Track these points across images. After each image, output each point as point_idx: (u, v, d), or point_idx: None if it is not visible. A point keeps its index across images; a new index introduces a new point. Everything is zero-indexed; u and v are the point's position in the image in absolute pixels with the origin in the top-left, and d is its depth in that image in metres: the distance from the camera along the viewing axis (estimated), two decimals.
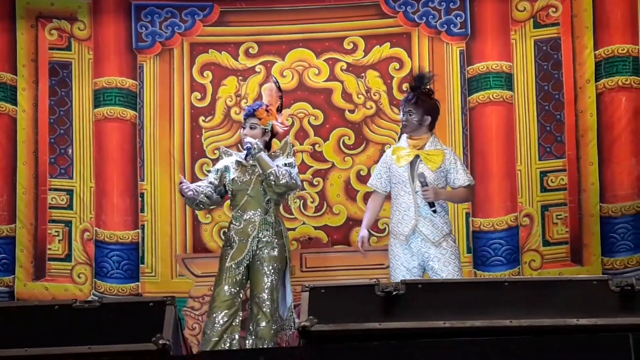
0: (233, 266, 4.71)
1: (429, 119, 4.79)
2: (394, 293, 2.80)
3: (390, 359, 2.66)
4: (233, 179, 4.81)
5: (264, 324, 4.60)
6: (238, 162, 4.86)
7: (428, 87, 4.86)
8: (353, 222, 5.90)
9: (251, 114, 4.82)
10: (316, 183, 5.95)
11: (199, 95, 5.99)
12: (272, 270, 4.69)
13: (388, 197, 4.91)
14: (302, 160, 5.96)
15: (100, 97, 5.89)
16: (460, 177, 4.76)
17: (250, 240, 4.71)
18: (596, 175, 5.76)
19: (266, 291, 4.65)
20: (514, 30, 5.90)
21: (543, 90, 5.87)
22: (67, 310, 2.75)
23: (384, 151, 5.92)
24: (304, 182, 5.91)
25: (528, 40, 5.89)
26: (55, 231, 5.84)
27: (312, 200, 5.93)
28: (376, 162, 5.91)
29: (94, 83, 5.90)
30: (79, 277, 5.83)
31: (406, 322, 2.76)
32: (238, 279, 4.70)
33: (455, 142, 5.88)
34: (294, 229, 5.86)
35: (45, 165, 5.87)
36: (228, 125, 5.98)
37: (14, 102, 5.83)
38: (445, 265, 4.65)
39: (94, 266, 5.81)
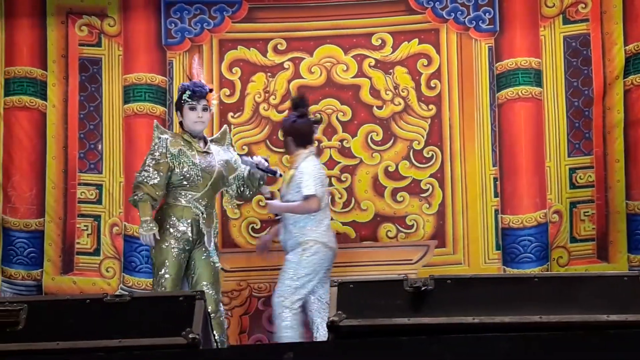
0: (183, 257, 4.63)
1: (290, 138, 5.10)
2: (423, 288, 2.80)
3: (418, 355, 2.66)
4: (194, 162, 4.57)
5: None
6: (188, 142, 4.62)
7: (299, 109, 5.12)
8: (381, 218, 5.90)
9: (204, 95, 4.71)
10: (344, 179, 5.95)
11: (227, 92, 6.01)
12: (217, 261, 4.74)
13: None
14: (330, 156, 5.96)
15: (130, 93, 5.92)
16: (303, 189, 4.96)
17: (212, 230, 4.64)
18: (622, 173, 5.73)
19: None
20: (543, 27, 5.87)
21: (572, 86, 5.83)
22: (98, 304, 2.76)
23: (412, 147, 5.94)
24: (332, 178, 5.92)
25: (557, 36, 5.86)
26: (84, 225, 5.88)
27: (339, 196, 5.93)
28: (404, 158, 5.93)
29: (124, 79, 5.94)
30: (107, 271, 5.87)
31: (435, 318, 2.75)
32: None
33: (484, 138, 5.86)
34: None
35: (75, 160, 5.90)
36: (257, 122, 6.00)
37: (44, 97, 5.88)
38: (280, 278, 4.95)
39: (122, 260, 5.85)
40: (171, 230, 4.50)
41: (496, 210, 5.83)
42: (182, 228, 4.50)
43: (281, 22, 6.04)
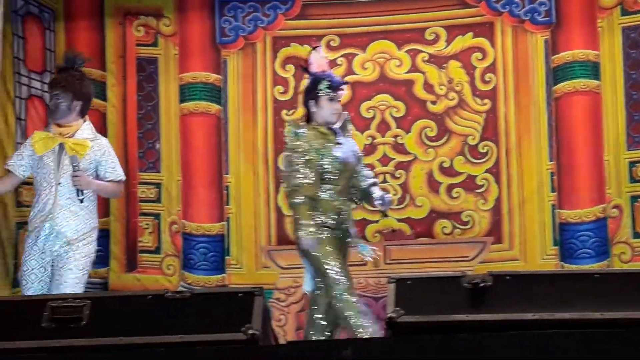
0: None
1: (79, 104, 4.50)
2: (481, 285, 2.78)
3: (477, 351, 2.64)
4: (334, 155, 4.33)
5: None
6: (323, 134, 4.35)
7: (80, 69, 4.58)
8: (436, 214, 5.86)
9: (340, 87, 4.44)
10: (398, 175, 5.93)
11: (281, 89, 6.03)
12: None
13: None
14: (384, 152, 5.95)
15: (185, 92, 5.98)
16: (111, 171, 4.53)
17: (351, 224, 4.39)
18: None
19: None
20: (601, 18, 5.77)
21: (631, 78, 5.73)
22: (160, 300, 2.80)
23: (467, 142, 5.89)
24: (387, 175, 5.92)
25: (615, 27, 5.76)
26: (146, 224, 5.95)
27: (394, 192, 5.91)
28: (459, 153, 5.89)
29: (180, 78, 5.99)
30: (168, 268, 5.94)
31: (494, 314, 2.73)
32: None
33: (541, 133, 5.80)
34: (376, 222, 5.87)
35: (135, 159, 5.97)
36: None
37: (104, 98, 5.95)
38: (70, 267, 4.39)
39: (181, 258, 5.92)
40: (321, 223, 4.25)
41: (553, 206, 5.76)
42: (330, 221, 4.26)
43: (334, 18, 6.04)
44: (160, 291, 2.83)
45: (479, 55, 5.93)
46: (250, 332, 2.64)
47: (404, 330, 2.74)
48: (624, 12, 5.75)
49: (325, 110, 4.37)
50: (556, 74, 5.78)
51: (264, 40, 6.05)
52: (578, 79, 5.72)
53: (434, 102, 5.95)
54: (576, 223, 5.68)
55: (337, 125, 4.42)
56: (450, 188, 5.89)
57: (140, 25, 6.04)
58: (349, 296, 4.13)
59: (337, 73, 5.95)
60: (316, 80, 4.43)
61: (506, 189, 5.83)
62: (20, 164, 4.55)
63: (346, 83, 4.70)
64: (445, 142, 5.92)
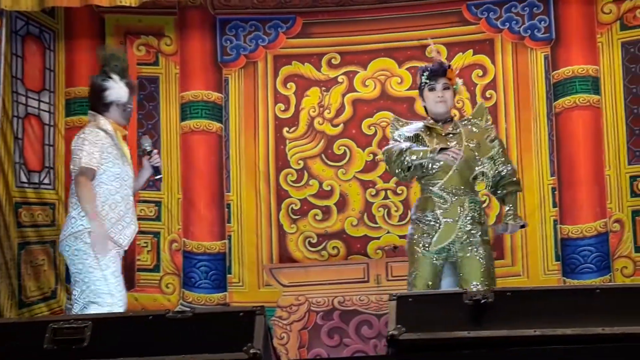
0: (433, 252, 4.19)
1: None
2: (483, 301, 2.78)
3: None
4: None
5: None
6: (428, 128, 4.29)
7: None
8: None
9: (443, 72, 4.34)
10: (400, 192, 5.93)
11: (282, 107, 6.05)
12: (486, 255, 4.24)
13: None
14: (386, 168, 5.94)
15: (187, 111, 5.99)
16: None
17: (459, 220, 4.22)
18: None
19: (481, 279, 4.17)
20: (600, 34, 5.79)
21: (631, 93, 5.75)
22: (161, 320, 2.80)
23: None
24: (388, 191, 5.91)
25: (615, 42, 5.78)
26: (144, 242, 5.95)
27: (396, 209, 5.91)
28: None
29: (181, 97, 6.01)
30: (167, 287, 5.93)
31: (495, 331, 2.73)
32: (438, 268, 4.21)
33: (542, 148, 5.80)
34: (378, 238, 5.87)
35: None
36: (312, 136, 6.03)
37: None
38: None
39: (182, 276, 5.91)
40: (419, 224, 4.21)
41: (555, 221, 5.76)
42: (426, 220, 4.20)
43: (335, 36, 6.06)
44: (162, 311, 2.83)
45: (479, 72, 5.95)
46: (251, 351, 2.64)
47: (406, 348, 2.73)
48: (623, 27, 5.76)
49: (429, 101, 4.34)
50: (556, 90, 5.80)
51: (265, 59, 6.06)
52: (578, 94, 5.73)
53: None
54: (578, 238, 5.68)
55: (473, 111, 4.42)
56: None
57: (141, 44, 6.05)
58: None
59: (338, 91, 6.02)
60: (419, 72, 4.42)
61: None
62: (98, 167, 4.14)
63: (449, 66, 4.51)
64: None
